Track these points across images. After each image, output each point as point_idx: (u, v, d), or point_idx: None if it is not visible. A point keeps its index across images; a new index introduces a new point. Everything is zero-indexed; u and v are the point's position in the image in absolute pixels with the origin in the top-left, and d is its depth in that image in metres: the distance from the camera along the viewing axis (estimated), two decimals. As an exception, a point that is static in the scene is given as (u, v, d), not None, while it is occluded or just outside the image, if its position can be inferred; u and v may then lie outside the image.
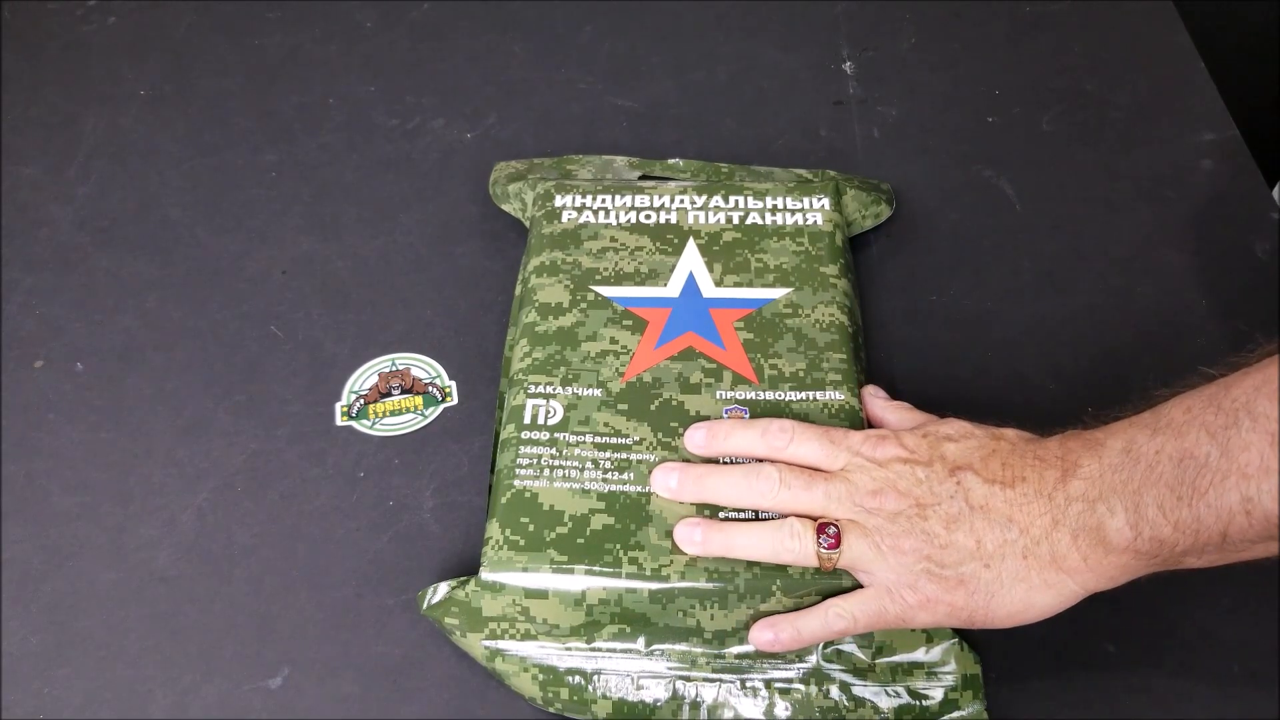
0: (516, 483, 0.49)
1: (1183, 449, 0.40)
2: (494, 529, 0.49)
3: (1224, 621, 0.49)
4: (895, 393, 0.57)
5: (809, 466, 0.47)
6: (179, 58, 0.76)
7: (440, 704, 0.48)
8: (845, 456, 0.47)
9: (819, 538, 0.45)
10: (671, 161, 0.66)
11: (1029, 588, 0.43)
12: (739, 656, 0.47)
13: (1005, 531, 0.43)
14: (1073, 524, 0.42)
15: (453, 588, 0.49)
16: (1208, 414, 0.40)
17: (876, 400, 0.53)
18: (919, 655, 0.47)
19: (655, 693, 0.47)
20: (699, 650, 0.47)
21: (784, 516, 0.47)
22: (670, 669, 0.47)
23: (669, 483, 0.48)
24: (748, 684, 0.47)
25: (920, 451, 0.46)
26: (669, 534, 0.48)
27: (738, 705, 0.47)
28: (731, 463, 0.49)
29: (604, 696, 0.47)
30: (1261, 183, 0.65)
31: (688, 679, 0.47)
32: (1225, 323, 0.59)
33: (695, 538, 0.47)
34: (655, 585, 0.47)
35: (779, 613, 0.47)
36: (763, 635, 0.46)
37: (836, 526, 0.45)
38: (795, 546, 0.45)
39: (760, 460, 0.48)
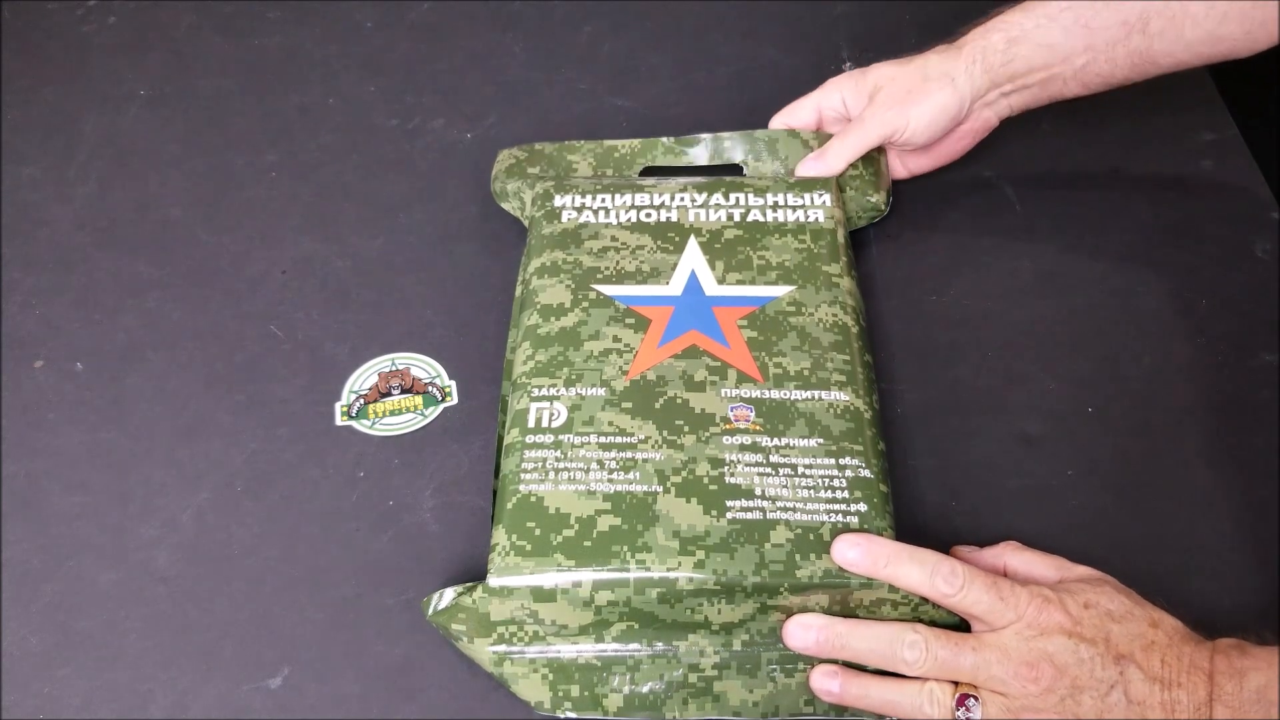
0: (522, 487, 0.49)
1: None
2: (500, 535, 0.48)
3: (1227, 624, 0.48)
4: (895, 393, 0.57)
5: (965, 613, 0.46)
6: (179, 58, 0.76)
7: (440, 704, 0.48)
8: (1010, 616, 0.45)
9: (958, 709, 0.45)
10: (667, 141, 0.66)
11: None
12: (746, 645, 0.47)
13: None
14: None
15: (459, 594, 0.48)
16: None
17: (1019, 554, 0.50)
18: None
19: (664, 685, 0.47)
20: (706, 642, 0.47)
21: None
22: (678, 661, 0.47)
23: (807, 639, 0.47)
24: (756, 672, 0.47)
25: (1085, 626, 0.45)
26: (676, 534, 0.47)
27: (746, 693, 0.47)
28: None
29: (614, 691, 0.47)
30: (1262, 183, 0.65)
31: (696, 669, 0.47)
32: (1225, 323, 0.59)
33: (833, 689, 0.47)
34: (663, 587, 0.47)
35: (788, 609, 0.47)
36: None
37: (977, 698, 0.45)
38: (933, 713, 0.45)
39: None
